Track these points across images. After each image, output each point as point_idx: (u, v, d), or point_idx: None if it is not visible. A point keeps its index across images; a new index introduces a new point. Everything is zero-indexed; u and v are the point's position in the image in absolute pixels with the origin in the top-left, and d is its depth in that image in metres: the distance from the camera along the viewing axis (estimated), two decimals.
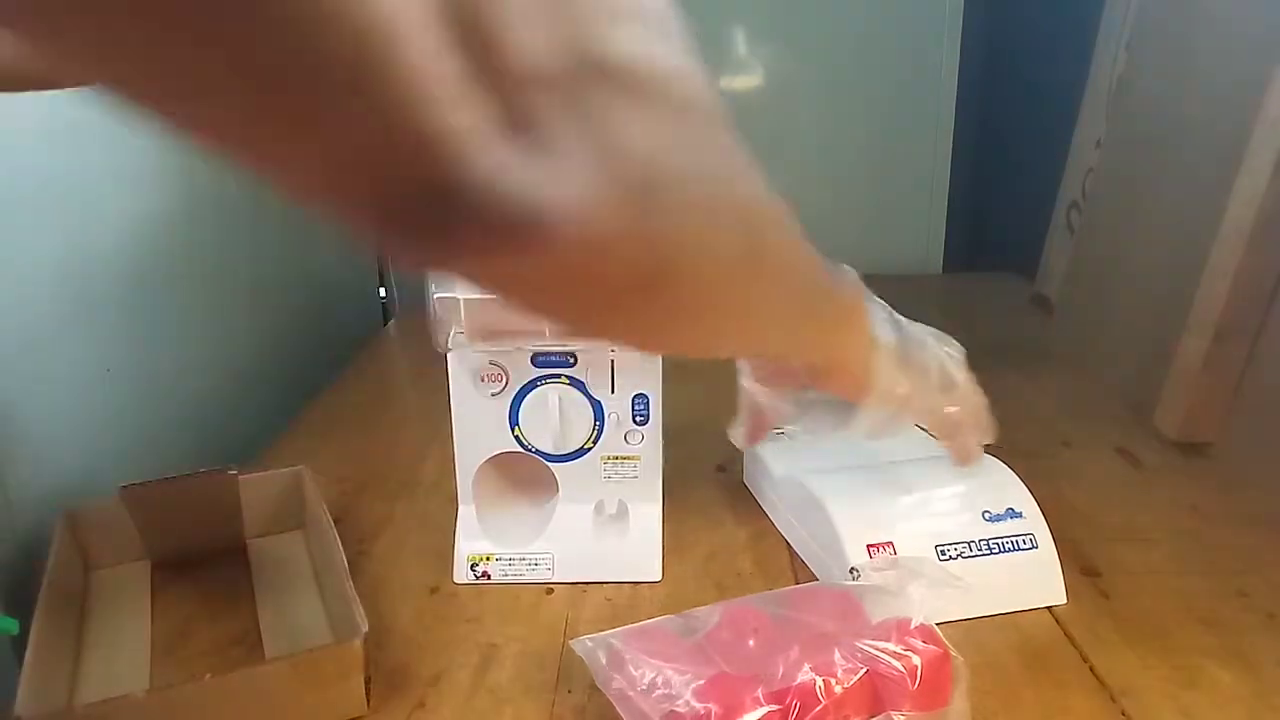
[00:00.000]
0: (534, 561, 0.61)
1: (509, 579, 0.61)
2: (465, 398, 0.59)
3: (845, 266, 0.45)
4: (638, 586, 0.60)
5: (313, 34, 0.16)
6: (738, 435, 0.60)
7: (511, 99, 0.19)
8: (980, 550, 0.57)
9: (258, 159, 0.20)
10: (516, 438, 0.60)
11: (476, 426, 0.60)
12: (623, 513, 0.63)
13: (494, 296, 0.26)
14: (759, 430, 0.59)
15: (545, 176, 0.20)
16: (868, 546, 0.56)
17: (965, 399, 0.54)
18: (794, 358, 0.48)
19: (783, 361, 0.49)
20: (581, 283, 0.25)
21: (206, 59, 0.16)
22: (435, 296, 0.54)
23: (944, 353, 0.53)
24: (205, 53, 0.16)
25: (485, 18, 0.18)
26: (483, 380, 0.59)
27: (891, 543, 0.56)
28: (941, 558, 0.56)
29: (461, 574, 0.61)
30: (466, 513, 0.62)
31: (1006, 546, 0.57)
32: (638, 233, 0.24)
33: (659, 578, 0.61)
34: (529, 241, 0.21)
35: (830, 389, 0.50)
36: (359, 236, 0.21)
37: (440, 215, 0.19)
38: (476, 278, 0.25)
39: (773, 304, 0.36)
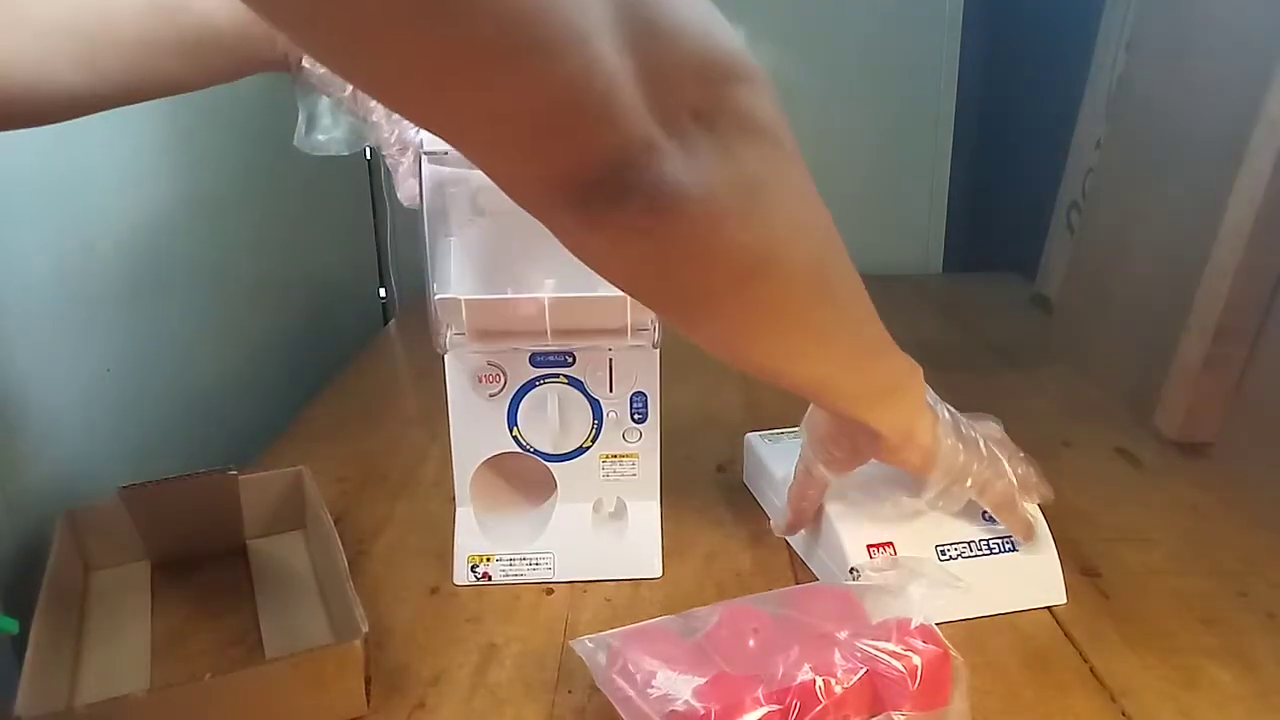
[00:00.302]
0: (534, 561, 0.61)
1: (509, 579, 0.61)
2: (463, 399, 0.59)
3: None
4: (638, 587, 0.60)
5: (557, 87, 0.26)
6: (779, 525, 0.63)
7: (673, 119, 0.29)
8: (980, 550, 0.57)
9: (475, 145, 0.29)
10: (515, 438, 0.60)
11: (474, 428, 0.60)
12: (621, 511, 0.63)
13: (617, 287, 0.36)
14: (800, 520, 0.61)
15: (690, 170, 0.30)
16: (868, 546, 0.56)
17: (1012, 471, 0.56)
18: (854, 409, 0.50)
19: (854, 416, 0.51)
20: (701, 265, 0.33)
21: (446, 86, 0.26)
22: (436, 298, 0.54)
23: (987, 429, 0.56)
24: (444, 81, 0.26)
25: (659, 75, 0.28)
26: (481, 381, 0.58)
27: (892, 543, 0.56)
28: (942, 558, 0.56)
29: (462, 575, 0.61)
30: (465, 514, 0.62)
31: (1006, 546, 0.57)
32: (746, 223, 0.33)
33: (659, 574, 0.62)
34: (672, 214, 0.30)
35: (899, 461, 0.54)
36: (543, 207, 0.31)
37: (621, 188, 0.29)
38: (621, 255, 0.33)
39: (840, 326, 0.43)
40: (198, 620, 0.58)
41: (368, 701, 0.49)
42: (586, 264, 0.34)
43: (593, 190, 0.29)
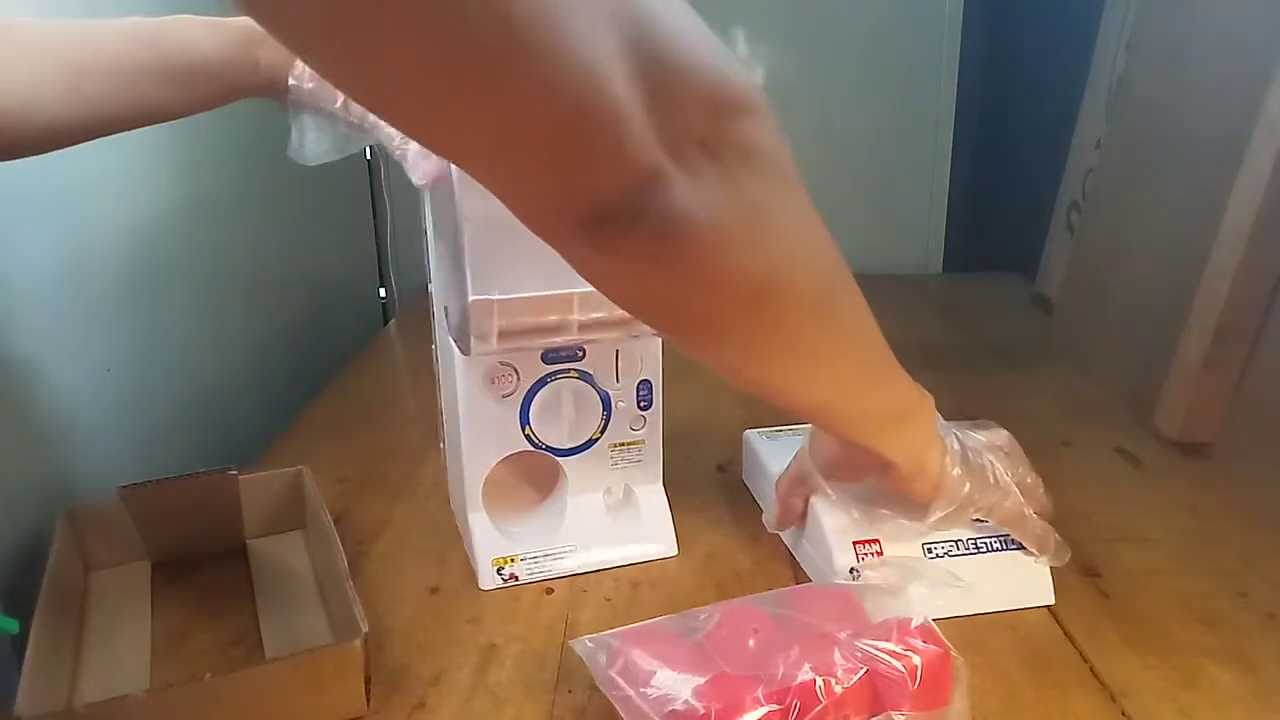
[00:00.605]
0: (557, 556, 0.61)
1: (536, 577, 0.61)
2: (475, 402, 0.58)
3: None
4: (637, 587, 0.60)
5: (559, 102, 0.26)
6: (770, 519, 0.64)
7: (680, 147, 0.30)
8: (967, 549, 0.57)
9: (486, 169, 0.30)
10: (528, 436, 0.60)
11: (487, 430, 0.59)
12: (629, 496, 0.64)
13: (624, 309, 0.37)
14: (790, 517, 0.62)
15: (697, 197, 0.31)
16: (854, 543, 0.56)
17: (1021, 491, 0.56)
18: (865, 435, 0.51)
19: (861, 442, 0.52)
20: (708, 289, 0.34)
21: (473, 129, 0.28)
22: (470, 299, 0.52)
23: (995, 448, 0.56)
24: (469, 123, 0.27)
25: (666, 105, 0.29)
26: (493, 383, 0.58)
27: (878, 539, 0.56)
28: (928, 555, 0.56)
29: (488, 580, 0.60)
30: (479, 519, 0.61)
31: (994, 545, 0.57)
32: (752, 248, 0.34)
33: (676, 552, 0.63)
34: (680, 239, 0.31)
35: (909, 490, 0.54)
36: (552, 230, 0.31)
37: (631, 212, 0.30)
38: (629, 279, 0.34)
39: (846, 350, 0.44)
40: (198, 620, 0.58)
41: (368, 701, 0.49)
42: (593, 286, 0.35)
43: (602, 215, 0.30)
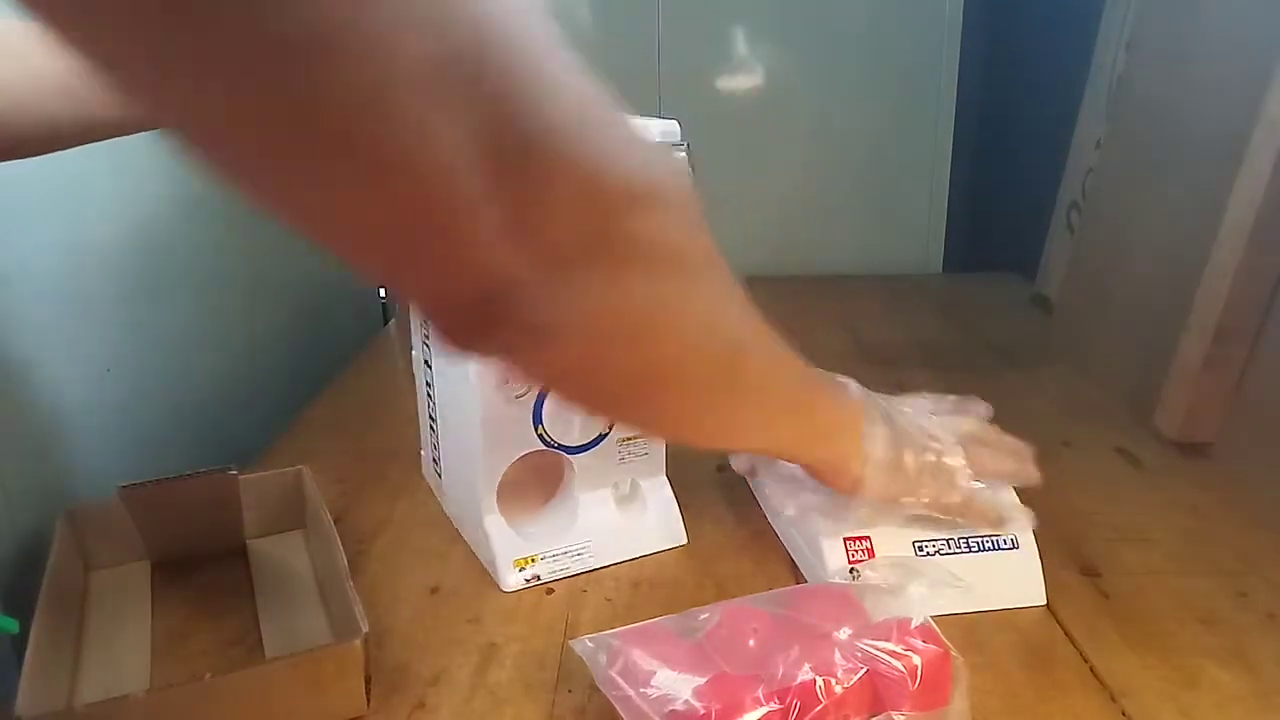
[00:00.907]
0: (575, 553, 0.62)
1: (557, 575, 0.61)
2: (489, 405, 0.58)
3: (847, 380, 0.54)
4: (637, 586, 0.60)
5: (409, 196, 0.23)
6: (741, 463, 0.67)
7: (546, 251, 0.27)
8: (958, 548, 0.57)
9: (361, 266, 0.27)
10: (540, 436, 0.60)
11: (501, 432, 0.59)
12: (635, 490, 0.65)
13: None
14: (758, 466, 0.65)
15: (562, 306, 0.28)
16: (844, 540, 0.56)
17: (980, 474, 0.56)
18: (784, 457, 0.54)
19: (790, 460, 0.54)
20: (590, 379, 0.34)
21: (333, 220, 0.25)
22: None
23: (959, 423, 0.57)
24: (332, 219, 0.25)
25: (531, 206, 0.26)
26: (506, 384, 0.58)
27: (869, 536, 0.56)
28: (919, 554, 0.56)
29: (511, 581, 0.60)
30: (495, 521, 0.61)
31: (986, 545, 0.57)
32: (632, 350, 0.33)
33: (685, 541, 0.64)
34: (547, 346, 0.30)
35: (828, 484, 0.55)
36: (420, 316, 0.30)
37: (488, 321, 0.28)
38: (513, 367, 0.33)
39: (753, 411, 0.45)
40: (198, 620, 0.58)
41: (368, 701, 0.49)
42: None
43: (456, 321, 0.28)
